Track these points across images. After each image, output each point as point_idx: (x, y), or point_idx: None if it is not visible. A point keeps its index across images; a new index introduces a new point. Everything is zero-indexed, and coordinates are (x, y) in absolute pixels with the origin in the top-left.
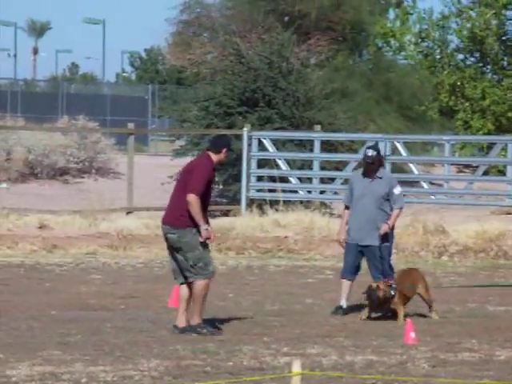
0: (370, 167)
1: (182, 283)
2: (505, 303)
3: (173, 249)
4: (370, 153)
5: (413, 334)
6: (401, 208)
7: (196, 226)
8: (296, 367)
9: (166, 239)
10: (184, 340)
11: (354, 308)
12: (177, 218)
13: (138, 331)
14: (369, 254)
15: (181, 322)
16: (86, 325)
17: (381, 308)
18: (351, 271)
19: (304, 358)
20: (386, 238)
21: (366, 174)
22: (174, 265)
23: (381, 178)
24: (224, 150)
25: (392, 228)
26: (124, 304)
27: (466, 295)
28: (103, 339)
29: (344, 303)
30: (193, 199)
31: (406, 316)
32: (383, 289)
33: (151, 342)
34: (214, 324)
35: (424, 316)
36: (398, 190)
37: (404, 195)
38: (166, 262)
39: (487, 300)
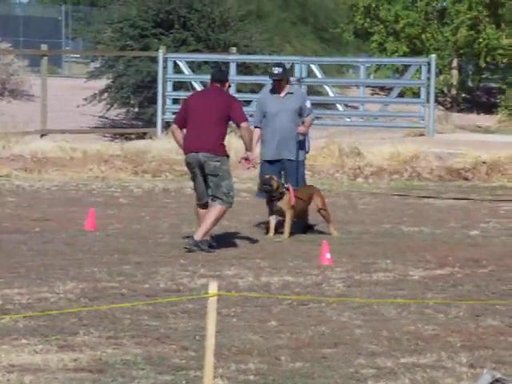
0: (279, 84)
1: (204, 204)
2: (418, 224)
3: (209, 175)
4: (276, 70)
5: (328, 255)
6: (313, 118)
7: (229, 156)
8: (212, 288)
9: (200, 166)
10: (100, 262)
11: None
12: (218, 146)
13: (53, 254)
14: (287, 168)
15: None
16: (1, 247)
17: (275, 206)
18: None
19: (221, 279)
20: (303, 144)
21: (275, 92)
22: (202, 188)
23: (292, 93)
24: (227, 83)
25: (306, 135)
26: (39, 227)
27: (381, 216)
28: (18, 262)
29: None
30: (248, 126)
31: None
32: (276, 180)
33: (67, 264)
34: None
35: (326, 232)
36: (308, 103)
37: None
38: (81, 184)
39: (402, 221)
